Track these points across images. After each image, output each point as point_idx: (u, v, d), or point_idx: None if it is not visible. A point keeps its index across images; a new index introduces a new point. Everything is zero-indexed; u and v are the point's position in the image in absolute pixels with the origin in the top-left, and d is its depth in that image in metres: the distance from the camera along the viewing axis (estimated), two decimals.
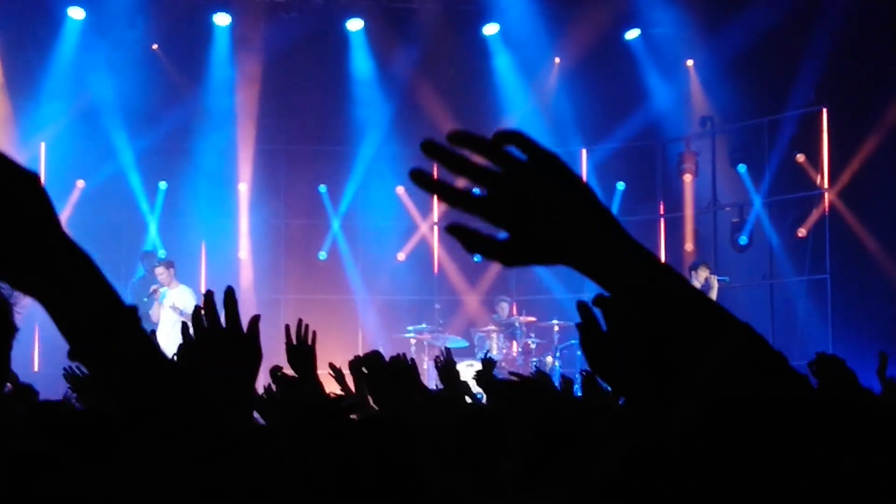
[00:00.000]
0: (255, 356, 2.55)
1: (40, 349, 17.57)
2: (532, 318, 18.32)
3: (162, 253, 18.77)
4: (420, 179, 1.59)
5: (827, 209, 17.73)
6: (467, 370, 16.75)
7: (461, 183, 1.62)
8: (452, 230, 1.57)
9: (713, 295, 16.57)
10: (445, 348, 7.61)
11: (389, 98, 20.16)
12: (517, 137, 1.60)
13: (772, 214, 18.63)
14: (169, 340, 15.88)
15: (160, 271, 16.21)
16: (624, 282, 1.62)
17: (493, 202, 1.59)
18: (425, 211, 20.60)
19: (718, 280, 17.14)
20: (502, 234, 1.59)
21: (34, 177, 1.63)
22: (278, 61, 19.48)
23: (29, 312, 1.90)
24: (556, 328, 18.15)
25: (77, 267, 1.64)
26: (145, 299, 16.02)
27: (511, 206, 1.59)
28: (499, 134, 1.60)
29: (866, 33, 16.85)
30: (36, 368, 17.38)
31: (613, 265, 1.61)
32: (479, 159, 1.60)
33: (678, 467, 1.30)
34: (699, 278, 16.88)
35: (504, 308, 18.78)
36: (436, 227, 20.61)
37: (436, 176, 1.60)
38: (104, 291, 1.66)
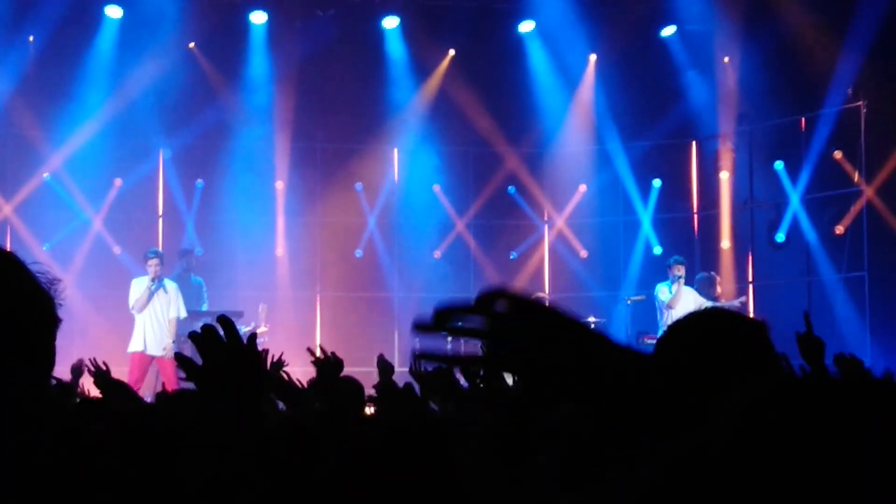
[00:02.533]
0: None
1: (80, 344, 17.69)
2: None
3: (198, 250, 18.86)
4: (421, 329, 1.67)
5: (865, 206, 17.62)
6: None
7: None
8: None
9: (677, 290, 16.48)
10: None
11: (425, 95, 20.18)
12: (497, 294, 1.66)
13: (809, 212, 18.53)
14: (158, 328, 15.93)
15: (155, 263, 16.07)
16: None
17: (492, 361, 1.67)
18: (462, 208, 20.62)
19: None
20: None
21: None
22: (314, 59, 19.52)
23: (68, 308, 1.92)
24: (593, 326, 18.12)
25: None
26: (152, 286, 16.01)
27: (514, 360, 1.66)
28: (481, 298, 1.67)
29: None
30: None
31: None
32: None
33: (723, 471, 1.30)
34: (678, 273, 16.72)
35: None
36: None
37: None
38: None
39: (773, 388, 1.33)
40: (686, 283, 16.72)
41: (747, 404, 1.33)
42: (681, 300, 16.45)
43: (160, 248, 17.21)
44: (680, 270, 16.65)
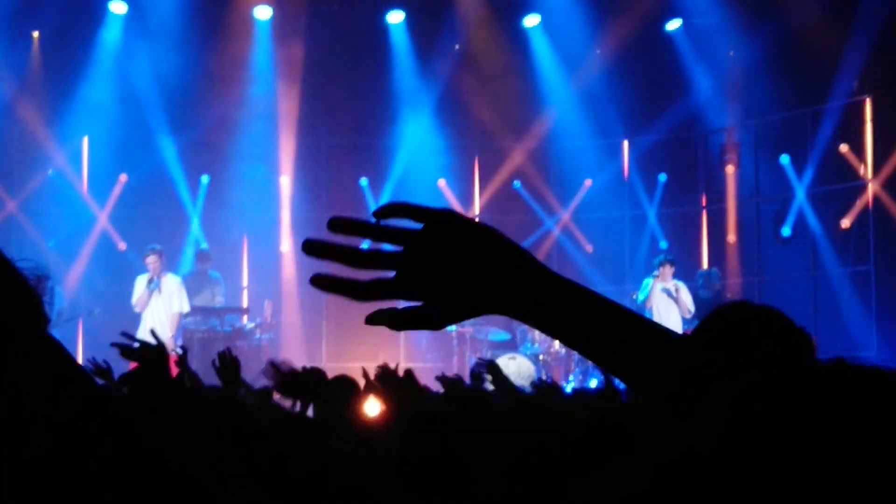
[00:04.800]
0: None
1: (83, 342, 17.71)
2: None
3: (203, 245, 18.86)
4: (312, 250, 1.60)
5: (871, 200, 17.60)
6: (509, 363, 16.83)
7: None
8: (375, 319, 1.57)
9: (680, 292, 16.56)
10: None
11: (430, 90, 20.16)
12: (399, 208, 1.60)
13: (815, 205, 18.51)
14: (159, 326, 16.01)
15: (153, 260, 16.13)
16: (557, 317, 1.61)
17: (401, 280, 1.59)
18: (467, 203, 20.60)
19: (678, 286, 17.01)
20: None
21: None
22: (319, 54, 19.52)
23: (73, 304, 1.92)
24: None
25: None
26: (150, 285, 16.05)
27: (420, 277, 1.58)
28: (379, 211, 1.61)
29: None
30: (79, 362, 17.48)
31: (543, 303, 1.60)
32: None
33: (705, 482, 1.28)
34: (665, 275, 16.78)
35: None
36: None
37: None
38: None
39: (758, 380, 1.31)
40: (687, 279, 16.82)
41: (733, 398, 1.31)
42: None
43: (165, 244, 17.23)
44: (671, 270, 16.85)
